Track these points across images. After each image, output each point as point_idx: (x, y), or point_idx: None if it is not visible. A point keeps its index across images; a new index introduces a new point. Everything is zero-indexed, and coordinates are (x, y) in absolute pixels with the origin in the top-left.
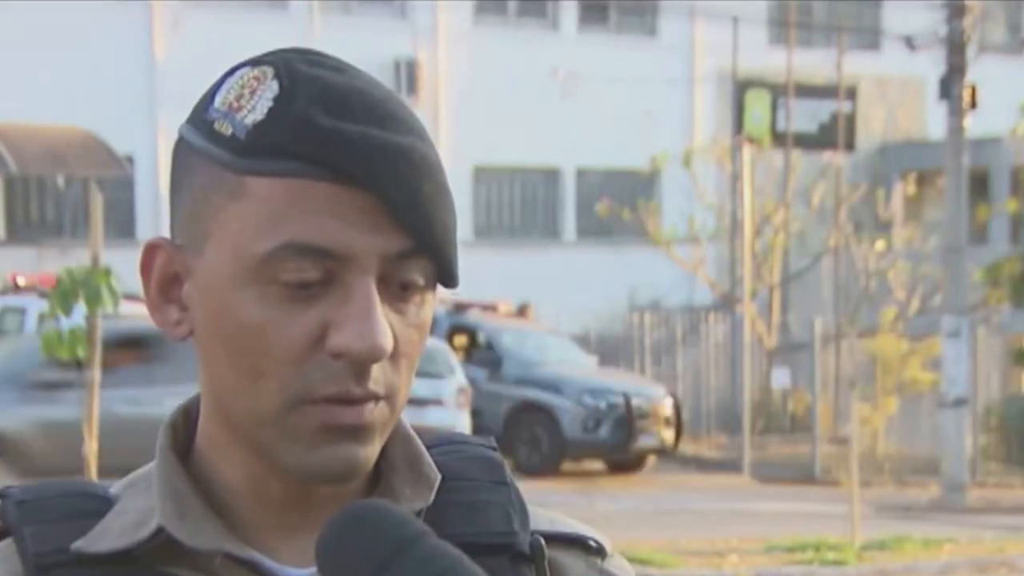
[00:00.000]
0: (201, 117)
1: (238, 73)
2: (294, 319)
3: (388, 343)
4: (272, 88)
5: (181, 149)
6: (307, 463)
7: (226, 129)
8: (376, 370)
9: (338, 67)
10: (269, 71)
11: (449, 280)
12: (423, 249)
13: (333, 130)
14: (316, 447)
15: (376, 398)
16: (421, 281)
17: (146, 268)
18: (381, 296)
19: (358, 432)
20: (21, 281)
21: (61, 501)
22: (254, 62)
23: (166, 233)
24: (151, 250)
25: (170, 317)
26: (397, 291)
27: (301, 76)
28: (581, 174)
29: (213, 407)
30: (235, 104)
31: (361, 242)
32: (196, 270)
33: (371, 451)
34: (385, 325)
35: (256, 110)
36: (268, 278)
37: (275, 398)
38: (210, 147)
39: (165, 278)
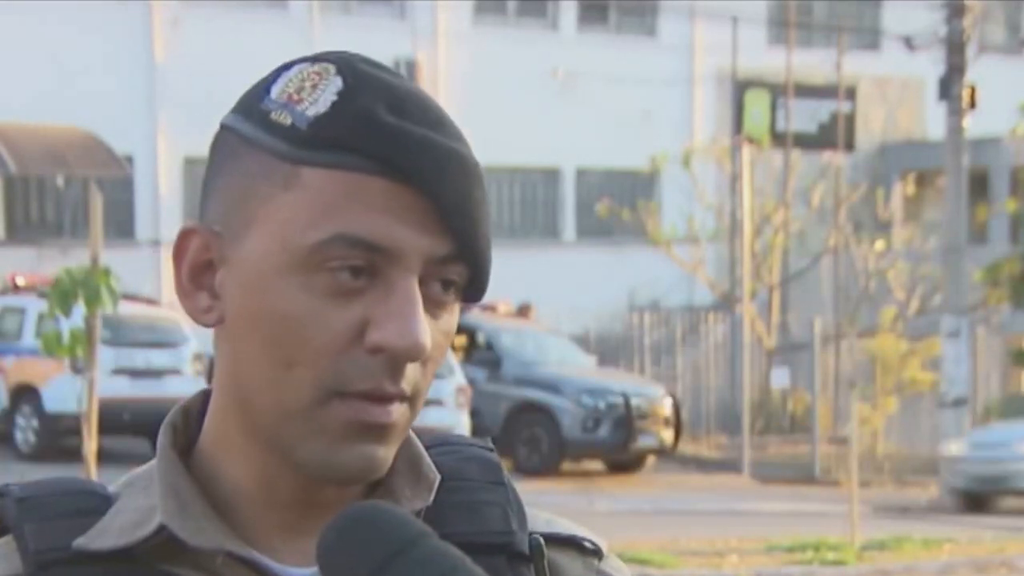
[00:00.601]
0: (255, 107)
1: (296, 68)
2: (336, 312)
3: (428, 342)
4: (336, 83)
5: (226, 138)
6: (328, 460)
7: (285, 119)
8: (410, 370)
9: (393, 72)
10: (331, 68)
11: (479, 292)
12: (465, 255)
13: (396, 128)
14: (339, 444)
15: (404, 397)
16: (457, 288)
17: (180, 253)
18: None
19: (383, 431)
20: (21, 281)
21: (61, 499)
22: (312, 59)
23: (164, 234)
24: (186, 235)
25: (200, 304)
26: (434, 296)
27: (363, 74)
28: (581, 174)
29: (231, 401)
30: (295, 96)
31: (410, 240)
32: (234, 258)
33: (390, 452)
34: (426, 324)
35: (319, 103)
36: (314, 269)
37: (308, 389)
38: (265, 136)
39: (198, 264)
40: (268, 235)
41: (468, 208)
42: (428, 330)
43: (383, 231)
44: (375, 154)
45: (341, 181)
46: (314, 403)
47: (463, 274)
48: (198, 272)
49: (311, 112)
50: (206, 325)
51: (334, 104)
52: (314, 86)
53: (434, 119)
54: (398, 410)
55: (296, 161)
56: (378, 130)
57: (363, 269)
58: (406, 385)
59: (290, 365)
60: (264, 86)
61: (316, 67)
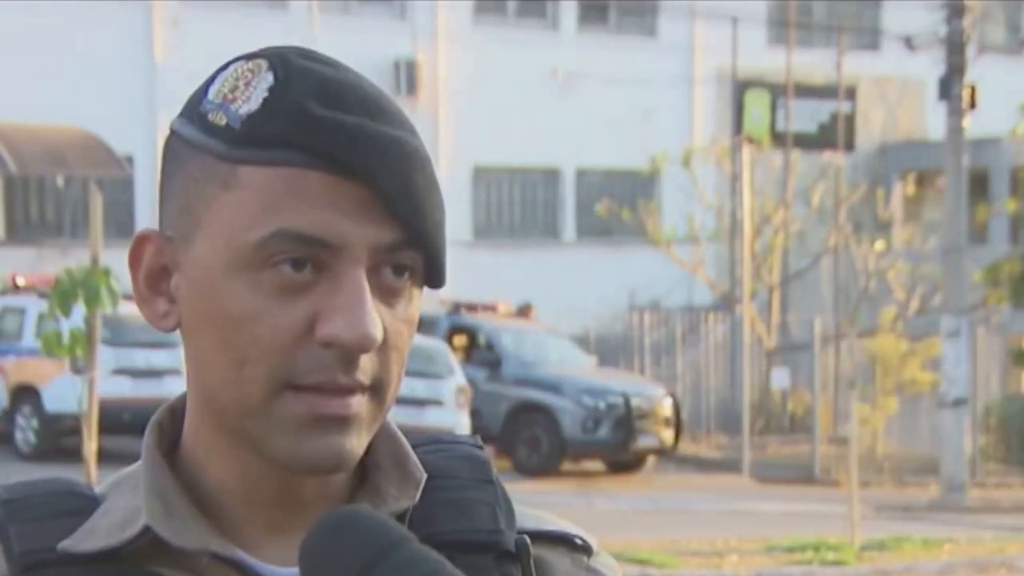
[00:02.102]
0: (195, 110)
1: (232, 67)
2: (284, 308)
3: (378, 333)
4: (267, 79)
5: (172, 143)
6: (294, 453)
7: (220, 120)
8: (364, 360)
9: (330, 62)
10: (263, 63)
11: (437, 278)
12: (414, 241)
13: (329, 120)
14: (302, 437)
15: (363, 388)
16: (410, 274)
17: (135, 260)
18: (371, 289)
19: (344, 423)
20: (21, 281)
21: (47, 500)
22: (248, 56)
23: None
24: (140, 242)
25: (158, 309)
26: (386, 284)
27: (295, 68)
28: (581, 174)
29: (200, 402)
30: (229, 95)
31: (353, 232)
32: (186, 262)
33: (357, 443)
34: (375, 315)
35: (251, 100)
36: (259, 266)
37: (260, 385)
38: (203, 138)
39: (153, 270)
40: (214, 236)
41: (409, 193)
42: (378, 320)
43: (324, 225)
44: (309, 148)
45: (279, 177)
46: (269, 398)
47: (416, 261)
48: (154, 278)
49: (244, 110)
50: (165, 330)
51: (265, 100)
52: (247, 84)
53: (372, 108)
54: (358, 401)
55: (234, 160)
56: (310, 123)
57: (306, 261)
58: (362, 376)
59: (243, 363)
60: (204, 88)
61: (250, 64)
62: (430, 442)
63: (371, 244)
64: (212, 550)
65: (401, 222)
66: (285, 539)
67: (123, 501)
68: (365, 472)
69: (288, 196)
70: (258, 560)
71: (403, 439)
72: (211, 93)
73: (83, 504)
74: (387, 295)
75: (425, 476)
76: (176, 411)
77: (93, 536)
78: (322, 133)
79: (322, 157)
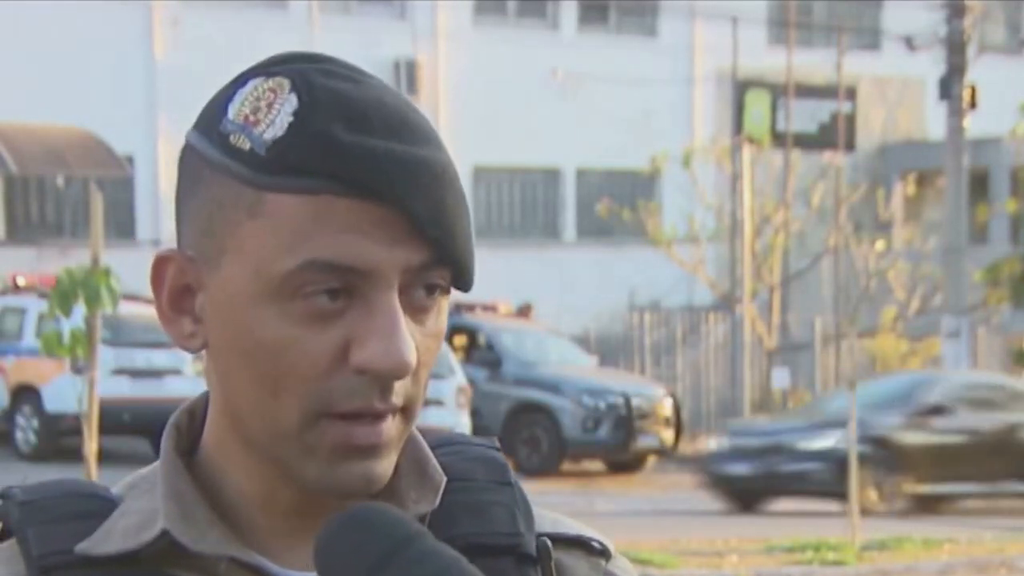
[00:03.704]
0: (214, 129)
1: (251, 84)
2: (316, 336)
3: (413, 359)
4: (291, 102)
5: (191, 158)
6: (326, 480)
7: (243, 143)
8: (398, 384)
9: (353, 77)
10: (286, 83)
11: (466, 284)
12: (444, 260)
13: (357, 146)
14: (334, 464)
15: (396, 410)
16: (440, 291)
17: (157, 281)
18: (402, 308)
19: (376, 450)
20: (21, 281)
21: (64, 502)
22: (267, 72)
23: (165, 233)
24: (162, 263)
25: (184, 329)
26: (417, 302)
27: (319, 89)
28: (581, 174)
29: (226, 418)
30: (252, 117)
31: (384, 257)
32: (211, 284)
33: (388, 465)
34: (410, 341)
35: (275, 125)
36: (290, 296)
37: (294, 414)
38: (227, 161)
39: (177, 290)
40: (240, 264)
41: (441, 215)
42: (412, 346)
43: (354, 252)
44: (337, 175)
45: (306, 205)
46: (303, 426)
47: (446, 275)
48: (178, 297)
49: (268, 136)
50: (192, 350)
51: (291, 125)
52: (269, 105)
53: (399, 127)
54: (390, 425)
55: (259, 187)
56: (337, 150)
57: (340, 291)
58: (396, 399)
59: (276, 392)
60: (222, 104)
61: (271, 83)
62: (446, 443)
63: (402, 267)
64: (230, 554)
65: (432, 243)
66: (304, 545)
67: (140, 503)
68: None
69: (316, 224)
70: (276, 565)
71: (423, 442)
72: (231, 112)
73: (100, 506)
74: (417, 313)
75: (445, 479)
76: (194, 413)
77: (110, 539)
78: (351, 160)
79: (351, 184)
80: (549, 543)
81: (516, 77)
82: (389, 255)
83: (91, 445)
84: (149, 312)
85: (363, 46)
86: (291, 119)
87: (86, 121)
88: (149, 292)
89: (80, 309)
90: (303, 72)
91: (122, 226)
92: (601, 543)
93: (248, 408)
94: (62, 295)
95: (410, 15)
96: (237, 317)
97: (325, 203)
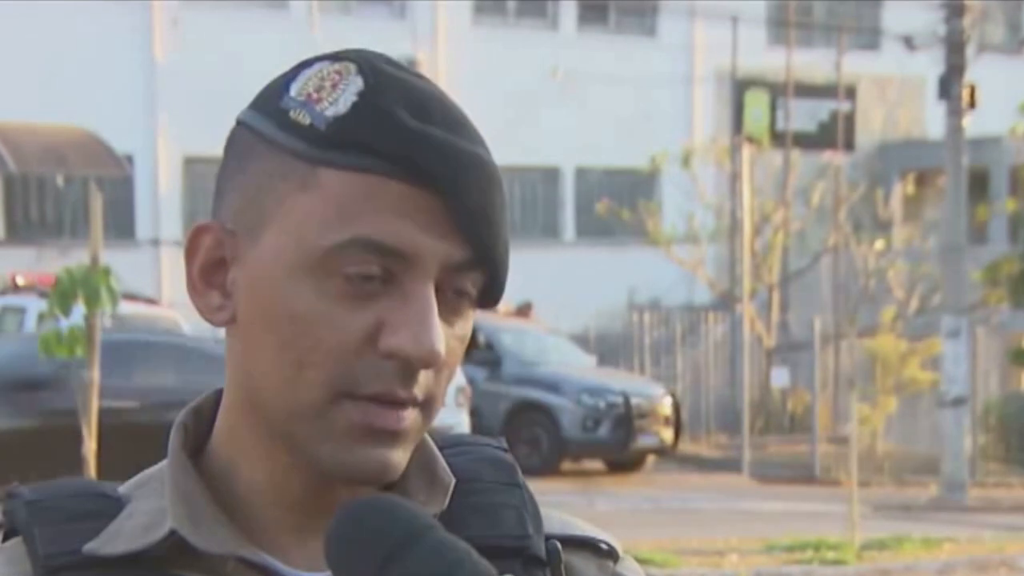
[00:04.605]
0: (273, 105)
1: (316, 66)
2: (349, 315)
3: (443, 349)
4: (356, 83)
5: (242, 134)
6: (341, 461)
7: (304, 119)
8: (422, 376)
9: (416, 73)
10: (352, 67)
11: (495, 298)
12: (483, 262)
13: (418, 131)
14: (352, 446)
15: (416, 403)
16: (472, 294)
17: (192, 250)
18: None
19: (394, 437)
20: (21, 281)
21: (71, 501)
22: (333, 57)
23: (164, 233)
24: (199, 232)
25: (212, 302)
26: (448, 302)
27: (385, 74)
28: (581, 174)
29: (243, 399)
30: (315, 95)
31: (428, 246)
32: (247, 256)
33: (404, 456)
34: (441, 331)
35: (339, 103)
36: (329, 271)
37: (318, 391)
38: (282, 135)
39: (210, 262)
40: (283, 235)
41: (488, 214)
42: (443, 337)
43: (401, 235)
44: (395, 157)
45: (360, 183)
46: (325, 404)
47: (478, 282)
48: (210, 270)
49: (331, 112)
50: (217, 324)
51: (355, 104)
52: (334, 85)
53: (456, 123)
54: (410, 416)
55: (314, 161)
56: (399, 133)
57: (378, 276)
58: (418, 391)
59: (301, 366)
60: (283, 83)
61: (337, 66)
62: (454, 444)
63: (443, 260)
64: (239, 554)
65: (475, 242)
66: (313, 543)
67: (148, 503)
68: None
69: (366, 203)
70: (285, 565)
71: (431, 443)
72: (293, 90)
73: (107, 505)
74: (448, 313)
75: (453, 481)
76: (201, 412)
77: (118, 539)
78: (410, 143)
79: (407, 167)
80: (559, 545)
81: (516, 77)
82: (433, 245)
83: (91, 445)
84: (149, 312)
85: (363, 46)
86: (355, 99)
87: (86, 121)
88: (149, 292)
89: (80, 309)
90: (370, 58)
91: (122, 226)
92: (609, 544)
93: (270, 383)
94: (62, 295)
95: (410, 15)
96: (272, 287)
97: (378, 184)
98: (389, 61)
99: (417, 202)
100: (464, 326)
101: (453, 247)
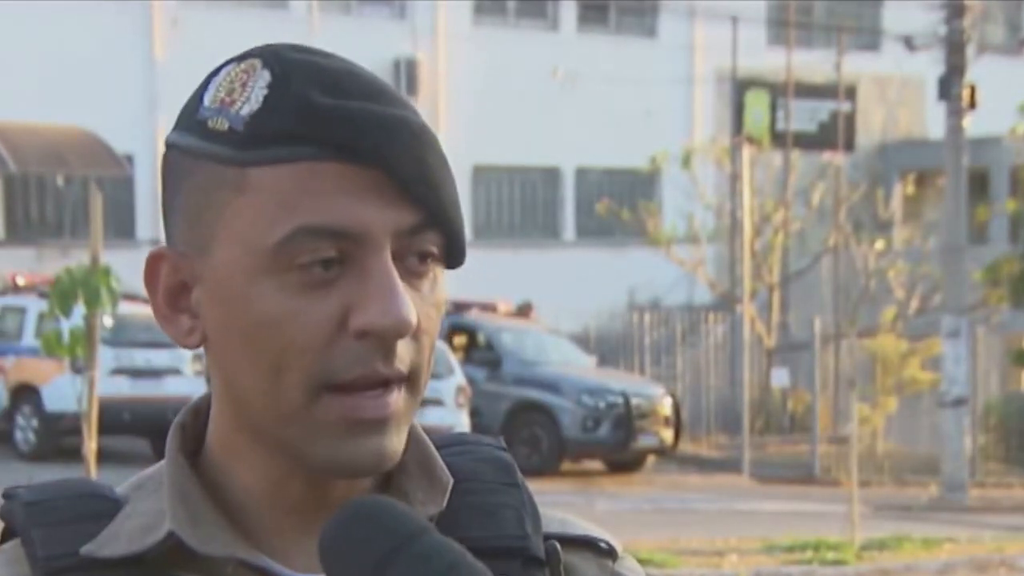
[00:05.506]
0: (192, 119)
1: (224, 71)
2: (314, 306)
3: (413, 316)
4: (264, 77)
5: (172, 157)
6: (334, 458)
7: (221, 125)
8: (401, 348)
9: (322, 53)
10: (257, 62)
11: (458, 255)
12: (434, 222)
13: (334, 108)
14: (342, 442)
15: (401, 379)
16: (436, 253)
17: (151, 280)
18: (398, 273)
19: (383, 423)
20: (21, 281)
21: (70, 503)
22: (239, 58)
23: (164, 233)
24: (154, 261)
25: (182, 327)
26: (411, 268)
27: (291, 61)
28: (581, 174)
29: (229, 411)
30: (227, 99)
31: (373, 218)
32: (204, 274)
33: (397, 440)
34: (407, 299)
35: (251, 100)
36: (283, 267)
37: (298, 392)
38: (206, 146)
39: (172, 288)
40: (232, 244)
41: (425, 173)
42: (411, 304)
43: (343, 215)
44: (318, 139)
45: (290, 173)
46: (307, 403)
47: (438, 241)
48: (174, 295)
49: (245, 111)
50: (192, 347)
51: (266, 97)
52: (244, 84)
53: (374, 92)
54: (397, 397)
55: (242, 163)
56: (315, 113)
57: (334, 260)
58: (401, 365)
59: (279, 370)
60: (198, 96)
61: (243, 65)
62: (453, 443)
63: (393, 229)
64: (238, 556)
65: (420, 204)
66: (310, 545)
67: (146, 505)
68: (391, 476)
69: (302, 192)
70: (285, 567)
71: (429, 442)
72: (207, 100)
73: (106, 507)
74: (412, 279)
75: (452, 481)
76: (199, 412)
77: (116, 541)
78: (329, 122)
79: (332, 147)
80: (558, 546)
81: (516, 77)
82: (379, 216)
83: (91, 445)
84: (148, 312)
85: (363, 46)
86: (266, 92)
87: (86, 121)
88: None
89: (80, 309)
90: (274, 49)
91: (122, 226)
92: (608, 543)
93: (251, 393)
94: (62, 295)
95: (410, 15)
96: (234, 298)
97: (308, 170)
98: (296, 48)
99: (352, 178)
100: (435, 289)
101: (399, 213)
